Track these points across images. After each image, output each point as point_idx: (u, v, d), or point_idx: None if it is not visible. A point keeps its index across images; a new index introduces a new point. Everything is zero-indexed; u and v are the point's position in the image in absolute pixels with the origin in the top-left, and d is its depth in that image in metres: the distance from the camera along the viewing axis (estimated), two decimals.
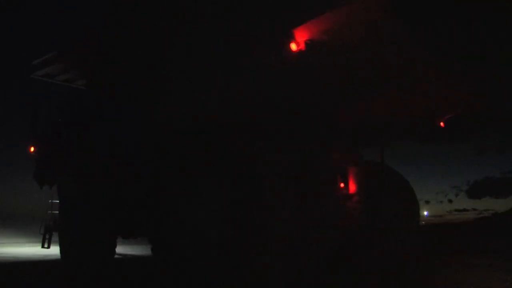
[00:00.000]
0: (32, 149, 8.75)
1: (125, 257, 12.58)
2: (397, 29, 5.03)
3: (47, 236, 9.86)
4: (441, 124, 7.17)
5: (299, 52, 4.59)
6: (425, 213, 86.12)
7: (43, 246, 9.88)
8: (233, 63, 5.18)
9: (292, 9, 4.62)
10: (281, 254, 5.17)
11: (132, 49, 6.85)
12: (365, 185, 6.43)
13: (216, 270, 5.10)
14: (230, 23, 5.29)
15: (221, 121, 5.46)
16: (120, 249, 9.21)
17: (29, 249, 15.29)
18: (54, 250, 9.61)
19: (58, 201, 8.67)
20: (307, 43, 4.60)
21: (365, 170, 6.60)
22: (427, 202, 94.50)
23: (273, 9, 4.80)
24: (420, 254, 8.92)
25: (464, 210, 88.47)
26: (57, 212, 8.81)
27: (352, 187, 6.33)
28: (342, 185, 6.21)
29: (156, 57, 6.37)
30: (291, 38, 4.59)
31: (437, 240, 18.68)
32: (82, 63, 8.37)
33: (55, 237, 9.07)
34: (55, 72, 9.22)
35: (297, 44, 4.59)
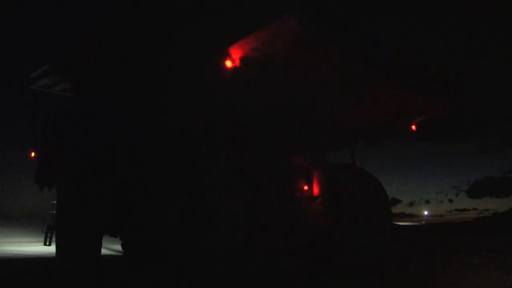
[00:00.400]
0: (32, 154, 9.30)
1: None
2: (327, 47, 5.53)
3: (48, 235, 10.34)
4: (413, 127, 7.80)
5: (235, 68, 5.23)
6: (426, 212, 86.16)
7: (45, 244, 10.39)
8: (177, 80, 5.77)
9: (226, 29, 5.24)
10: (232, 259, 5.63)
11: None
12: (331, 187, 6.87)
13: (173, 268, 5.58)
14: (171, 43, 5.89)
15: (176, 134, 6.00)
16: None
17: (32, 247, 15.73)
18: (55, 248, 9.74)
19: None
20: (241, 60, 5.19)
21: (334, 173, 7.09)
22: (427, 201, 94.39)
23: (209, 30, 5.44)
24: (395, 251, 8.81)
25: (465, 209, 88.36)
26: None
27: (316, 190, 6.70)
28: (306, 188, 6.64)
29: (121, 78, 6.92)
30: (227, 55, 5.22)
31: (437, 239, 18.69)
32: (71, 75, 8.88)
33: None
34: (52, 83, 9.80)
35: (232, 61, 5.21)
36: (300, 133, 6.56)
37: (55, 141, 8.68)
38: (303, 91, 6.07)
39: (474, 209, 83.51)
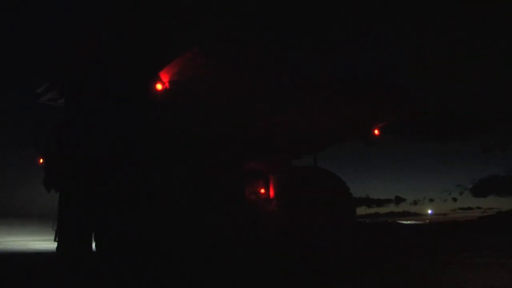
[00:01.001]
0: (40, 160, 10.27)
1: None
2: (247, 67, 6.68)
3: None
4: (376, 132, 8.31)
5: (165, 89, 6.39)
6: (429, 211, 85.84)
7: (55, 240, 10.80)
8: (128, 101, 6.94)
9: (154, 61, 6.41)
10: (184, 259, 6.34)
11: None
12: (288, 189, 7.49)
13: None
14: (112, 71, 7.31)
15: (130, 143, 6.92)
16: None
17: (45, 244, 16.05)
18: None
19: None
20: (170, 83, 6.39)
21: (291, 176, 7.71)
22: (432, 200, 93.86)
23: (142, 58, 6.71)
24: (361, 247, 9.02)
25: (469, 208, 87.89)
26: None
27: (272, 193, 7.42)
28: (263, 191, 7.44)
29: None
30: (157, 79, 6.44)
31: (440, 238, 18.58)
32: (63, 91, 10.15)
33: None
34: (56, 96, 10.74)
35: (162, 84, 6.43)
36: (248, 142, 7.21)
37: (56, 149, 9.49)
38: (237, 105, 6.96)
39: (478, 207, 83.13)
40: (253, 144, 7.18)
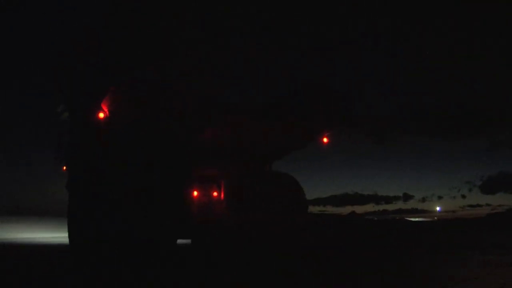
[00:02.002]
0: (64, 168, 11.02)
1: None
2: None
3: None
4: (324, 140, 9.10)
5: (106, 117, 7.60)
6: (438, 208, 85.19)
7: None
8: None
9: (94, 94, 7.58)
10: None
11: None
12: (238, 192, 8.56)
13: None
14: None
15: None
16: None
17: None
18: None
19: None
20: (110, 111, 7.60)
21: (242, 180, 8.78)
22: (440, 197, 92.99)
23: (88, 90, 7.83)
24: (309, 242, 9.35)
25: (478, 205, 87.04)
26: None
27: (222, 195, 8.53)
28: (215, 194, 8.55)
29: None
30: (99, 109, 7.61)
31: (448, 236, 18.27)
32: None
33: None
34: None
35: (104, 112, 7.62)
36: (196, 152, 8.28)
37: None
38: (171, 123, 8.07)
39: (487, 205, 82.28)
40: (201, 154, 8.40)
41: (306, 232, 8.86)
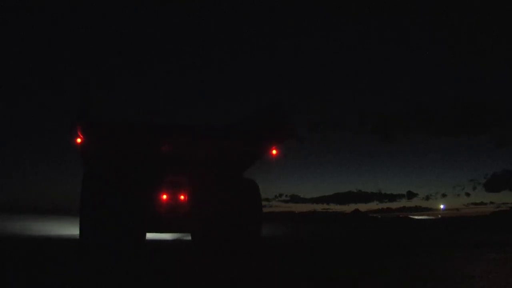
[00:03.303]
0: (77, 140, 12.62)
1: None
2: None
3: None
4: (274, 152, 9.89)
5: (83, 142, 8.89)
6: (442, 206, 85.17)
7: None
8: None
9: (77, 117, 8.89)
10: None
11: None
12: (201, 196, 9.92)
13: None
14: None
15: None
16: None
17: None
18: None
19: None
20: (85, 137, 8.87)
21: (206, 185, 10.05)
22: (444, 195, 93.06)
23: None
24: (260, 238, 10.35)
25: (482, 203, 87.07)
26: None
27: (187, 199, 10.03)
28: (182, 198, 10.07)
29: None
30: (76, 135, 8.84)
31: (450, 234, 18.18)
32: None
33: None
34: None
35: (80, 138, 8.84)
36: (164, 164, 9.96)
37: None
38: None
39: (491, 203, 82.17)
40: (171, 164, 10.03)
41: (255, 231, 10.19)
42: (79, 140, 8.96)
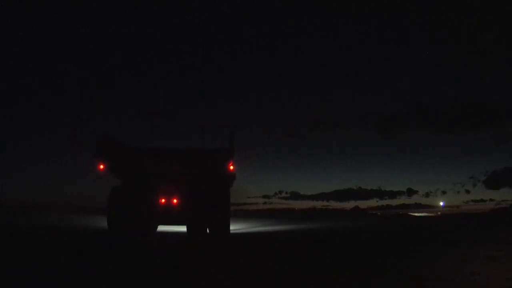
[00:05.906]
0: (101, 166, 14.54)
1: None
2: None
3: None
4: (230, 168, 13.79)
5: (105, 168, 13.46)
6: (441, 203, 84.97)
7: None
8: None
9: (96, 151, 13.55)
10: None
11: None
12: (188, 199, 13.61)
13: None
14: None
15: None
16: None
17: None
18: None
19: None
20: (106, 164, 13.46)
21: (193, 191, 13.75)
22: (444, 192, 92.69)
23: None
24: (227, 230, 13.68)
25: (482, 200, 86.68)
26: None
27: (179, 201, 13.61)
28: (175, 201, 13.60)
29: None
30: (99, 163, 13.45)
31: (450, 231, 18.15)
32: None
33: None
34: None
35: (103, 165, 13.44)
36: (161, 178, 13.91)
37: None
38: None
39: (491, 200, 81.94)
40: (168, 178, 13.88)
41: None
42: (101, 166, 13.24)
